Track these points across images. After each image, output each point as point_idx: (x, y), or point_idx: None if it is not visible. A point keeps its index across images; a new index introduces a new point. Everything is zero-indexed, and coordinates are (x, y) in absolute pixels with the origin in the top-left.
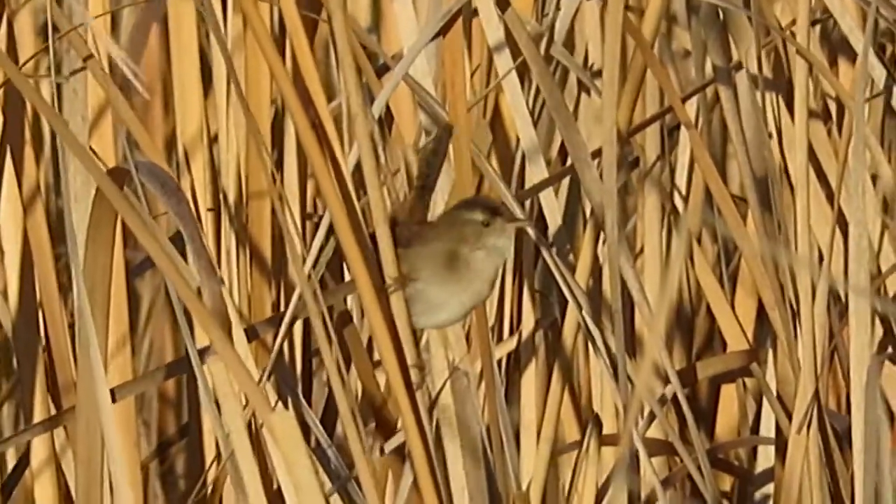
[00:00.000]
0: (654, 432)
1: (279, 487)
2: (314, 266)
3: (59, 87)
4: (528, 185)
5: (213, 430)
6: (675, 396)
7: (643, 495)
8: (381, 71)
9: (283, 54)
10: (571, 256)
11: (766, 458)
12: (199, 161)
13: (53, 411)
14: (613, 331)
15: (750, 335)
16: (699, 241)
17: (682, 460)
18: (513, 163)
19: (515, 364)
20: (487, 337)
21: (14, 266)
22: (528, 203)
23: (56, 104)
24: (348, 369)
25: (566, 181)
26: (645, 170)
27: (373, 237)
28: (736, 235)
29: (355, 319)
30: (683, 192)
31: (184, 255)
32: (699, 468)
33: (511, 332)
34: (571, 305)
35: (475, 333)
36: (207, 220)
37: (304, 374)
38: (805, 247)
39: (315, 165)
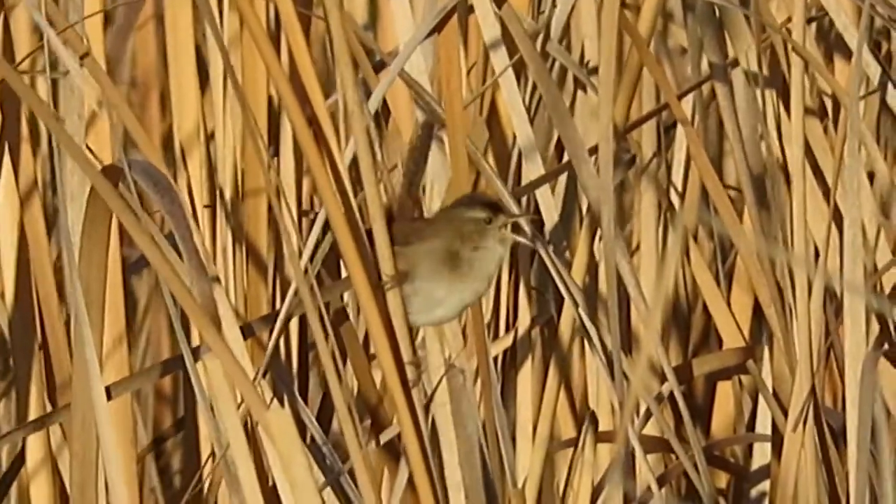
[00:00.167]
0: (650, 429)
1: (275, 484)
2: (310, 262)
3: (55, 84)
4: (524, 182)
5: (209, 428)
6: (671, 393)
7: (639, 492)
8: (378, 67)
9: (278, 51)
10: (568, 253)
11: (762, 454)
12: (195, 158)
13: (49, 409)
14: (609, 327)
15: (746, 332)
16: (695, 237)
17: (678, 457)
18: (509, 160)
19: (511, 361)
20: (483, 334)
21: (10, 263)
22: (524, 200)
23: (53, 101)
24: (344, 366)
25: (562, 178)
26: (641, 167)
27: (369, 234)
28: (732, 233)
29: (351, 316)
30: (680, 189)
31: (180, 253)
32: (695, 465)
33: (507, 329)
34: (568, 302)
35: (471, 330)
36: (204, 216)
37: (300, 371)
38: (801, 243)
39: (311, 162)
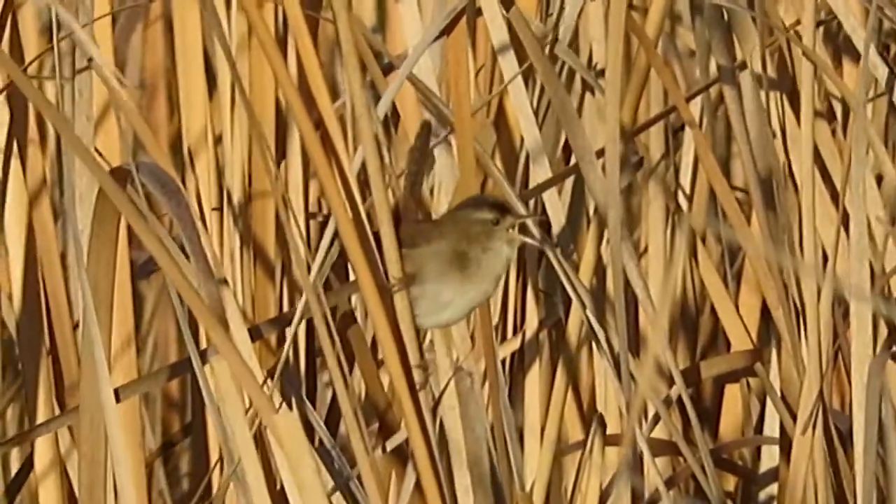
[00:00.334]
0: (657, 432)
1: (283, 487)
2: (319, 268)
3: (63, 86)
4: (532, 185)
5: (217, 432)
6: (679, 396)
7: (647, 495)
8: (387, 70)
9: (286, 53)
10: (575, 256)
11: (770, 457)
12: (203, 160)
13: (58, 412)
14: (617, 330)
15: (754, 335)
16: (703, 240)
17: (685, 460)
18: (517, 162)
19: (519, 364)
20: (491, 336)
21: (19, 265)
22: (531, 202)
23: (61, 104)
24: (352, 369)
25: (570, 181)
26: (649, 169)
27: (376, 237)
28: (740, 236)
29: (359, 319)
30: (688, 192)
31: (187, 256)
32: (703, 468)
33: (515, 332)
34: (575, 305)
35: (479, 333)
36: (211, 219)
37: (308, 374)
38: (810, 247)
39: (318, 166)
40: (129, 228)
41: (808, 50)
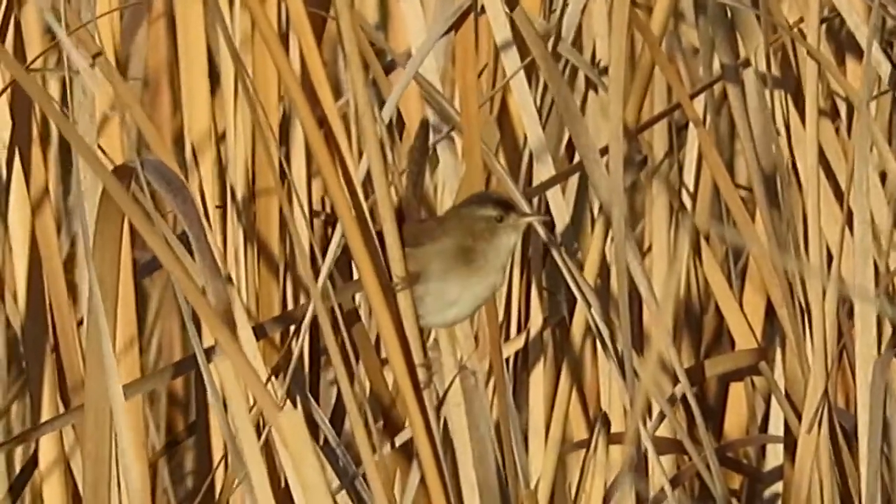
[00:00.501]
0: (662, 431)
1: (287, 485)
2: (328, 267)
3: (66, 84)
4: (535, 183)
5: (221, 430)
6: (683, 395)
7: (651, 494)
8: (389, 68)
9: (289, 51)
10: (579, 254)
11: (774, 456)
12: (206, 158)
13: (62, 410)
14: (621, 328)
15: (758, 333)
16: (707, 238)
17: (690, 459)
18: (520, 160)
19: (524, 362)
20: (496, 335)
21: (22, 265)
22: (535, 200)
23: (64, 102)
24: (356, 367)
25: (574, 179)
26: (653, 167)
27: (380, 236)
28: (744, 234)
29: (363, 317)
30: (691, 190)
31: (192, 254)
32: (708, 467)
33: (519, 331)
34: (579, 303)
35: (483, 332)
36: (215, 217)
37: (313, 372)
38: (815, 246)
39: (322, 164)
40: (131, 227)
41: (812, 48)
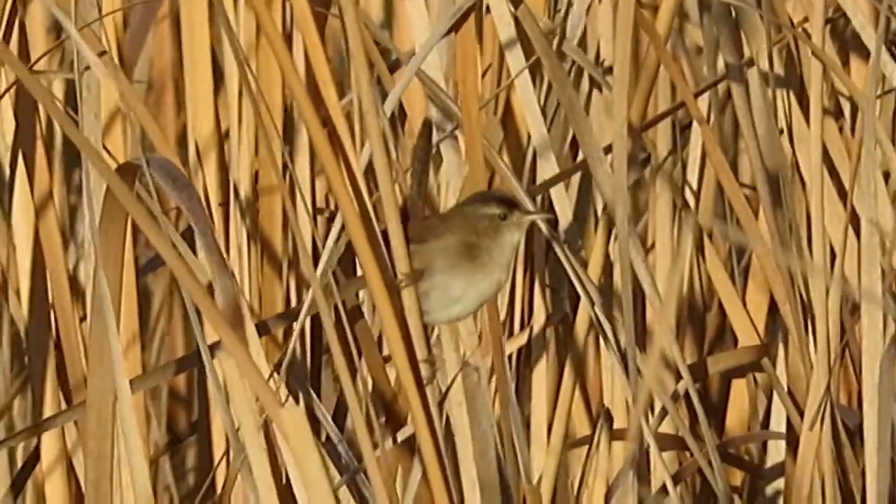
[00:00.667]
0: (664, 427)
1: (289, 482)
2: (326, 261)
3: (70, 84)
4: (539, 181)
5: (224, 425)
6: (685, 391)
7: (653, 490)
8: (394, 67)
9: (293, 49)
10: (583, 252)
11: (776, 452)
12: (210, 157)
13: (64, 407)
14: (624, 325)
15: (761, 330)
16: (710, 236)
17: (692, 455)
18: (524, 158)
19: (526, 359)
20: (499, 332)
21: (25, 263)
22: (539, 199)
23: (69, 102)
24: (359, 363)
25: (577, 177)
26: (656, 165)
27: (384, 233)
28: (747, 232)
29: (366, 314)
30: (695, 188)
31: (195, 251)
32: (710, 463)
33: (522, 327)
34: (583, 300)
35: (486, 328)
36: (218, 215)
37: (315, 368)
38: (819, 245)
39: (325, 162)
40: (133, 225)
41: (817, 48)
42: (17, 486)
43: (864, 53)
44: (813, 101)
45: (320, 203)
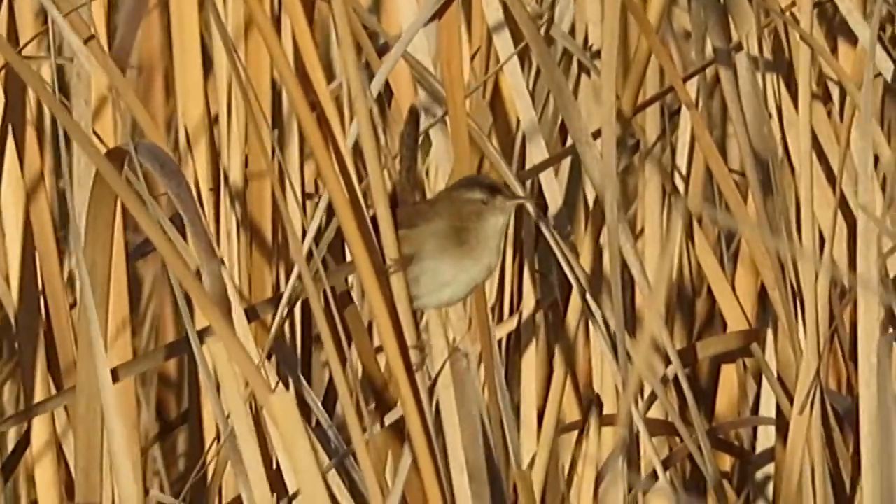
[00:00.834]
0: (654, 413)
1: (279, 467)
2: (315, 246)
3: (61, 69)
4: (528, 166)
5: (214, 411)
6: (675, 376)
7: (643, 475)
8: (382, 51)
9: (281, 34)
10: (572, 237)
11: (766, 438)
12: (200, 142)
13: (54, 392)
14: (613, 310)
15: (750, 316)
16: (700, 221)
17: (682, 440)
18: (513, 143)
19: (516, 344)
20: (487, 317)
21: (16, 248)
22: (528, 183)
23: (59, 87)
24: (349, 349)
25: (566, 162)
26: (645, 151)
27: (373, 219)
28: (736, 217)
29: (356, 299)
30: (684, 173)
31: (185, 236)
32: (699, 448)
33: (511, 312)
34: (572, 285)
35: (475, 314)
36: (208, 200)
37: (305, 353)
38: (808, 229)
39: (314, 147)
40: (123, 210)
41: (805, 33)
42: (7, 471)
43: (853, 38)
44: (801, 85)
45: (309, 188)
